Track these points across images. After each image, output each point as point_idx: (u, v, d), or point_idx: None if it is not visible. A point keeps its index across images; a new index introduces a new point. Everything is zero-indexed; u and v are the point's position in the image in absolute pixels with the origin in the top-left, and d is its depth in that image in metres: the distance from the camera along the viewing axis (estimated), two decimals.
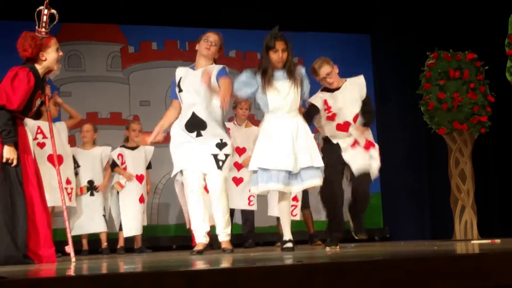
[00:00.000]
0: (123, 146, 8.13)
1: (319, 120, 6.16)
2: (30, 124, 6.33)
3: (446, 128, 8.06)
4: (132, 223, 7.90)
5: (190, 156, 5.79)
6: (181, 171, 5.99)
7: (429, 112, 8.06)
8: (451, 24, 9.20)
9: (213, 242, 6.27)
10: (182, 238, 8.59)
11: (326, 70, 6.05)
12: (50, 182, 6.50)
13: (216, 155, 5.76)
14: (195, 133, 5.77)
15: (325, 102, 6.09)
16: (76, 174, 7.84)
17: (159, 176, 9.14)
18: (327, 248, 5.87)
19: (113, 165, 8.00)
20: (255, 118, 8.45)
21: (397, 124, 9.79)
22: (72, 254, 5.29)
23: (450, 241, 7.59)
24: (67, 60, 9.19)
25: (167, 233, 9.32)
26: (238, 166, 7.79)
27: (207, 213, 5.87)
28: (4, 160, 4.93)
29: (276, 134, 5.38)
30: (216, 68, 5.80)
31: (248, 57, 9.78)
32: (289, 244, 5.42)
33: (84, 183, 7.87)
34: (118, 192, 7.97)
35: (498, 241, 5.92)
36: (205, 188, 6.00)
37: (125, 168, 7.97)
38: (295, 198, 7.59)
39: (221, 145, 5.78)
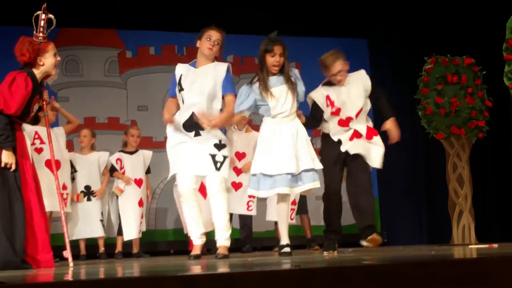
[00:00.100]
0: (121, 151, 8.15)
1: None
2: (28, 130, 6.32)
3: (444, 132, 8.06)
4: (131, 227, 7.91)
5: (186, 159, 5.64)
6: None
7: (427, 117, 8.06)
8: (449, 29, 9.21)
9: (211, 247, 6.26)
10: (180, 243, 8.58)
11: (339, 67, 5.81)
12: (48, 187, 6.49)
13: (214, 155, 5.60)
14: (193, 132, 5.62)
15: (328, 97, 5.87)
16: (73, 179, 7.85)
17: (157, 181, 9.13)
18: (325, 253, 5.86)
19: (112, 170, 8.02)
20: (253, 123, 8.44)
21: None
22: (70, 259, 5.28)
23: (448, 245, 7.59)
24: (65, 65, 9.20)
25: (165, 238, 9.31)
26: (238, 171, 7.78)
27: (200, 215, 5.75)
28: (2, 165, 4.93)
29: (277, 139, 5.38)
30: (221, 70, 5.66)
31: (245, 62, 9.79)
32: (287, 249, 5.42)
33: (81, 188, 7.87)
34: (117, 197, 7.98)
35: (495, 245, 5.92)
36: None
37: (123, 173, 7.99)
38: (293, 202, 7.59)
39: (219, 146, 5.63)
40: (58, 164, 6.98)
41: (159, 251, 8.89)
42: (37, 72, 5.13)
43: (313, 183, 5.40)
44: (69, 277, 3.34)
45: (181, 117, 5.68)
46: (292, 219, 7.56)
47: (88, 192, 7.88)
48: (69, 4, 8.46)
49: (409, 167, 9.86)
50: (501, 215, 9.23)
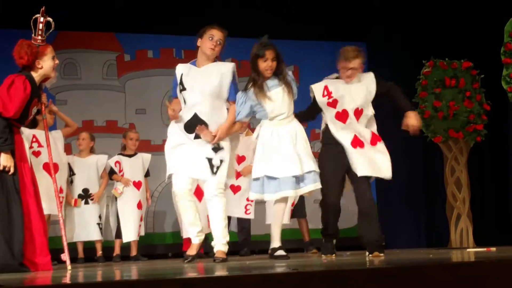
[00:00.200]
0: (120, 154, 8.15)
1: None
2: (26, 133, 6.31)
3: (442, 136, 8.07)
4: (130, 229, 7.90)
5: (183, 161, 5.56)
6: None
7: (425, 121, 8.06)
8: (447, 33, 9.21)
9: (210, 250, 6.24)
10: (178, 246, 8.57)
11: (355, 64, 5.73)
12: (46, 191, 6.48)
13: (210, 159, 5.50)
14: (193, 135, 5.54)
15: (326, 87, 5.78)
16: (71, 182, 7.85)
17: (155, 184, 9.12)
18: (323, 256, 5.85)
19: (111, 173, 8.03)
20: (252, 126, 8.43)
21: (393, 132, 9.78)
22: (68, 262, 5.27)
23: (446, 249, 7.58)
24: (63, 68, 9.19)
25: (163, 241, 9.30)
26: (237, 174, 7.74)
27: (197, 215, 5.67)
28: (1, 168, 4.93)
29: (277, 141, 5.38)
30: (227, 71, 5.59)
31: (243, 66, 9.77)
32: (282, 252, 5.41)
33: (79, 191, 7.87)
34: (116, 199, 7.98)
35: (493, 249, 5.92)
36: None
37: (122, 175, 7.99)
38: (292, 203, 7.56)
39: (217, 149, 5.52)
40: (56, 167, 6.98)
41: (157, 254, 8.89)
42: (36, 75, 5.13)
43: (314, 185, 5.43)
44: (67, 280, 3.34)
45: (183, 117, 5.63)
46: (288, 222, 7.54)
47: (85, 195, 7.87)
48: (68, 8, 8.47)
49: (407, 170, 9.85)
50: (499, 219, 9.22)
